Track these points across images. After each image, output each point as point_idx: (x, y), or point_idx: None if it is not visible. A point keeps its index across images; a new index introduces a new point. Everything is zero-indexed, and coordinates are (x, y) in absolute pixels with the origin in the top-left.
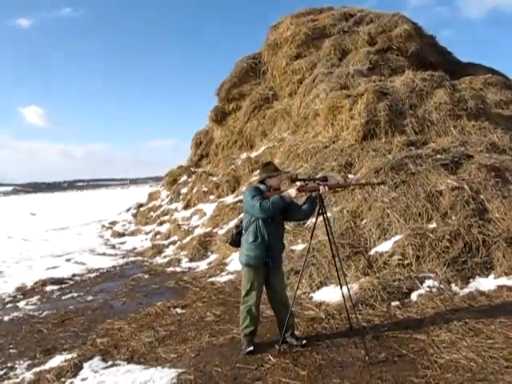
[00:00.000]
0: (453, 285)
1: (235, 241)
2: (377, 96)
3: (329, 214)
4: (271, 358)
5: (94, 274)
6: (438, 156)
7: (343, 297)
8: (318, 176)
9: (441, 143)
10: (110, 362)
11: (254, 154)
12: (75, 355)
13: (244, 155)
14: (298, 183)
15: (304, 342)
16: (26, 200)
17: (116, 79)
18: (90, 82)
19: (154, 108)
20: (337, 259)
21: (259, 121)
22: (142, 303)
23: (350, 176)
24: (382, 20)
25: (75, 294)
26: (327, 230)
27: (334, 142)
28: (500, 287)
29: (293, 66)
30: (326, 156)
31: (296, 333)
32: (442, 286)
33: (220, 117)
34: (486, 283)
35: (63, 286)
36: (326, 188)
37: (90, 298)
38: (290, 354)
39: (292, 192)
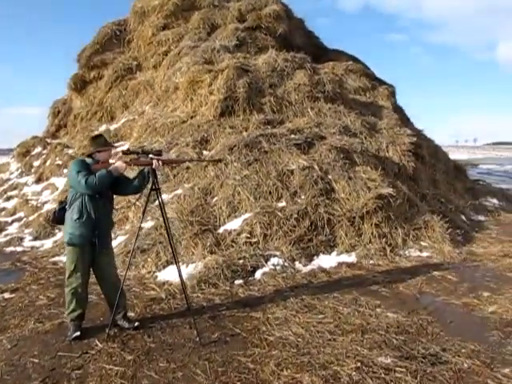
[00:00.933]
0: (297, 262)
1: (58, 218)
2: (237, 73)
3: (180, 191)
4: (98, 343)
5: None
6: (292, 136)
7: (180, 277)
8: (152, 149)
9: (297, 123)
10: None
11: (113, 127)
12: None
13: (103, 127)
14: (130, 157)
15: (136, 324)
16: None
17: None
18: None
19: (20, 70)
20: (172, 239)
21: (121, 92)
22: None
23: (204, 152)
24: None
25: None
26: (161, 208)
27: (192, 118)
28: (340, 264)
29: (159, 37)
30: (182, 131)
31: (131, 314)
32: (286, 264)
33: (80, 85)
34: (328, 260)
35: None
36: (160, 162)
37: None
38: (119, 337)
39: (121, 165)
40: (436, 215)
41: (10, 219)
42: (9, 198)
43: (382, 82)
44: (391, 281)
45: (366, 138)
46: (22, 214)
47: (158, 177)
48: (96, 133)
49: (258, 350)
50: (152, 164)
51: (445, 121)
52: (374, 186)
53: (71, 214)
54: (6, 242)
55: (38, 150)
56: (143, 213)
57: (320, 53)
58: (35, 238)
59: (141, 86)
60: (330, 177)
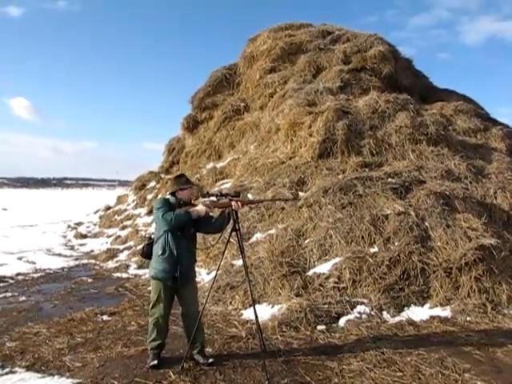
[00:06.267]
0: (385, 312)
1: (147, 252)
2: (337, 115)
3: (273, 231)
4: (172, 374)
5: (39, 274)
6: (389, 179)
7: (256, 318)
8: (232, 192)
9: (395, 167)
10: (6, 369)
11: (219, 165)
12: None
13: (210, 165)
14: (210, 198)
15: (210, 360)
16: (5, 194)
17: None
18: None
19: (148, 110)
20: (248, 280)
21: (229, 132)
22: (72, 307)
23: (300, 193)
24: (358, 40)
25: (9, 294)
26: (240, 248)
27: (290, 158)
28: (432, 318)
29: (266, 80)
30: (280, 172)
31: (209, 350)
32: (372, 313)
33: (192, 125)
34: (419, 312)
35: (1, 284)
36: (239, 203)
37: (22, 298)
38: (192, 371)
39: (201, 209)
40: None
41: (122, 247)
42: (124, 228)
43: (496, 123)
44: (488, 343)
45: (470, 182)
46: (132, 243)
47: (255, 216)
48: (206, 169)
49: None
50: (231, 205)
51: None
52: (475, 236)
53: (156, 250)
54: (115, 267)
55: (153, 184)
56: (223, 254)
57: (428, 93)
58: (139, 267)
59: (247, 126)
60: (426, 224)
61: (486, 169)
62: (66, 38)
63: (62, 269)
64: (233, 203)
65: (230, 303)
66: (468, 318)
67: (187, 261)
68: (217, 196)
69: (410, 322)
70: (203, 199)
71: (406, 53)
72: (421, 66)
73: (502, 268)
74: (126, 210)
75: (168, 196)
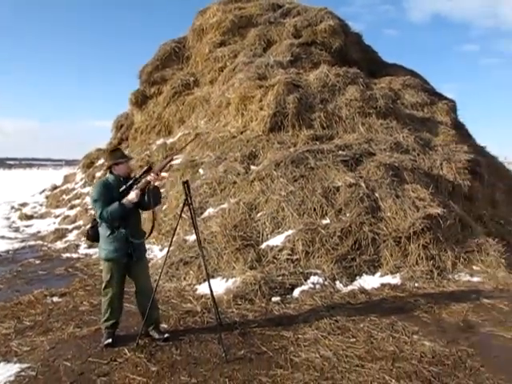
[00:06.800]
0: (337, 282)
1: (93, 235)
2: (288, 88)
3: (225, 205)
4: (127, 352)
5: None
6: (340, 152)
7: (211, 292)
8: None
9: (346, 139)
10: None
11: (170, 141)
12: None
13: (160, 141)
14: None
15: (166, 335)
16: None
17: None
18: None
19: (96, 87)
20: (201, 255)
21: (178, 107)
22: (19, 291)
23: (252, 167)
24: (309, 14)
25: None
26: (193, 223)
27: (241, 133)
28: (383, 285)
29: (216, 53)
30: (231, 146)
31: (164, 326)
32: (326, 283)
33: (140, 100)
34: (370, 281)
35: None
36: (153, 175)
37: None
38: (148, 348)
39: (132, 197)
40: (492, 238)
41: (70, 227)
42: (72, 207)
43: (441, 97)
44: (434, 306)
45: (418, 154)
46: (81, 223)
47: (206, 190)
48: (156, 145)
49: (280, 371)
50: (151, 181)
51: None
52: (422, 206)
53: (103, 231)
54: (64, 248)
55: (101, 161)
56: (175, 230)
57: (377, 68)
58: (90, 246)
59: (197, 101)
60: (376, 195)
61: (433, 141)
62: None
63: (7, 251)
64: (149, 178)
65: (185, 279)
66: (416, 284)
67: (137, 236)
68: (136, 180)
69: (362, 291)
70: (135, 186)
71: (355, 28)
72: (369, 42)
73: (448, 236)
74: (74, 188)
75: (107, 176)
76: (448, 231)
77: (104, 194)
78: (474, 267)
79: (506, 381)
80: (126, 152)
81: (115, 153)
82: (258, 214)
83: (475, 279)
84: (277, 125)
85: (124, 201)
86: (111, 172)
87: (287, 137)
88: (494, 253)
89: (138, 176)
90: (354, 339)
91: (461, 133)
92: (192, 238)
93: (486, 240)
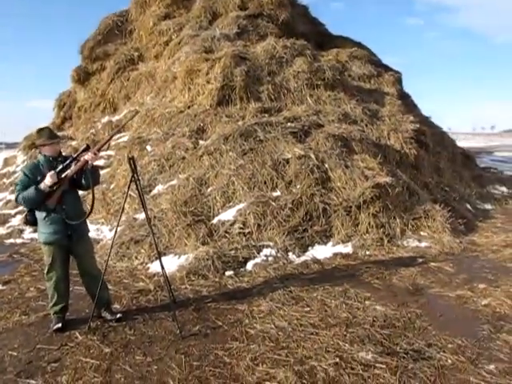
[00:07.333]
0: (290, 253)
1: (31, 220)
2: (235, 61)
3: (175, 182)
4: (78, 335)
5: None
6: (289, 124)
7: (163, 269)
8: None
9: (294, 111)
10: None
11: (115, 118)
12: None
13: (106, 118)
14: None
15: (119, 316)
16: None
17: None
18: None
19: (37, 65)
20: (152, 232)
21: (123, 83)
22: None
23: (200, 142)
24: None
25: None
26: (141, 200)
27: (189, 107)
28: (335, 255)
29: (160, 27)
30: (179, 121)
31: (117, 306)
32: (279, 255)
33: (83, 77)
34: (322, 251)
35: None
36: (91, 154)
37: None
38: (101, 330)
39: (48, 181)
40: (438, 204)
41: (13, 211)
42: (14, 191)
43: (387, 69)
44: (385, 272)
45: (366, 125)
46: None
47: (155, 167)
48: (101, 123)
49: (236, 344)
50: (88, 161)
51: (462, 107)
52: (371, 175)
53: (40, 214)
54: (6, 234)
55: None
56: (122, 208)
57: (324, 40)
58: (35, 231)
59: (142, 76)
60: (326, 165)
61: (380, 112)
62: None
63: None
64: (86, 157)
65: (136, 258)
66: (367, 252)
67: (75, 215)
68: (73, 159)
69: (315, 261)
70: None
71: (301, 0)
72: (316, 14)
73: (396, 204)
74: (15, 172)
75: (38, 157)
76: (396, 199)
77: (28, 176)
78: (422, 233)
79: (450, 336)
80: (69, 132)
81: (41, 133)
82: (209, 189)
83: (423, 244)
84: (224, 98)
85: (41, 185)
86: (40, 152)
87: (235, 110)
88: (440, 218)
89: (75, 155)
90: (308, 308)
91: (406, 103)
92: (142, 216)
93: (432, 207)
